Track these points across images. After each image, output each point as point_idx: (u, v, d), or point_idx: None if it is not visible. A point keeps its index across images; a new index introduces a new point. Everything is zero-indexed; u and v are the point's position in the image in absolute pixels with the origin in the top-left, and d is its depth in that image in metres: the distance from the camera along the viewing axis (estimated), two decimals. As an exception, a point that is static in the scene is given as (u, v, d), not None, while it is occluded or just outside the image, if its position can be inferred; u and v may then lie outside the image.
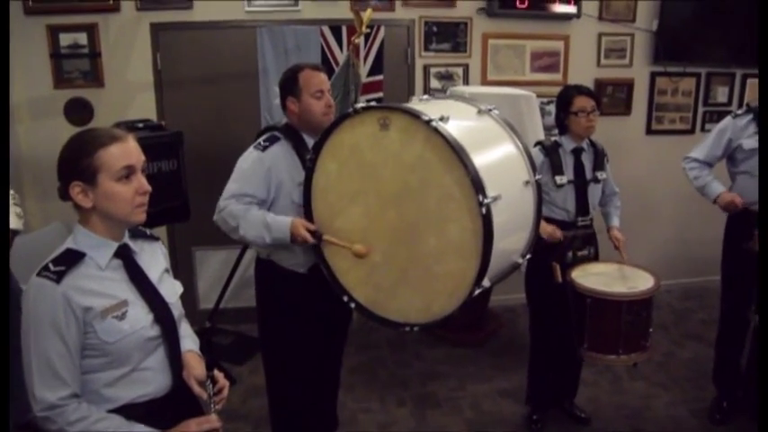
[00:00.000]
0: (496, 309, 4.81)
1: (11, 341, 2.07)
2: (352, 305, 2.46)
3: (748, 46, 4.86)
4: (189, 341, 1.89)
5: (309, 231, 2.42)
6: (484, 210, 2.00)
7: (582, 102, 3.10)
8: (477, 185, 2.01)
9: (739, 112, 3.28)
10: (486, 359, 4.24)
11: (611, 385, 3.87)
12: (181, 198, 3.65)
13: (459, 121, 2.20)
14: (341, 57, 4.20)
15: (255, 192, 2.53)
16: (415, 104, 2.35)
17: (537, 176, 2.39)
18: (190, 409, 1.78)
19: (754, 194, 3.07)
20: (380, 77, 4.42)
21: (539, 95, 4.22)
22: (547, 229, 3.02)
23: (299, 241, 2.45)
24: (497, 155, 2.32)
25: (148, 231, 1.89)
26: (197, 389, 1.77)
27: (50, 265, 1.58)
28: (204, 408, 1.78)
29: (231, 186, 2.56)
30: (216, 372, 1.82)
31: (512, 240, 2.34)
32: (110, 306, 1.61)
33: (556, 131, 3.30)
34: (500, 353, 4.33)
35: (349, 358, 3.80)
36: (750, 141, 3.16)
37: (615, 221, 3.35)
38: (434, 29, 4.59)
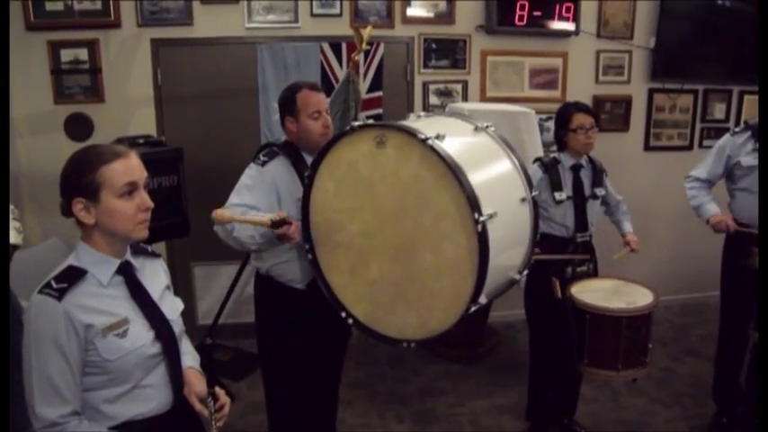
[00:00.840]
0: (496, 325, 4.81)
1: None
2: (350, 321, 2.46)
3: (745, 63, 4.90)
4: (190, 358, 1.89)
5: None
6: (480, 227, 2.01)
7: (581, 119, 3.12)
8: (473, 203, 2.01)
9: (738, 129, 3.30)
10: (485, 375, 4.23)
11: (611, 401, 3.86)
12: (181, 214, 3.65)
13: (455, 139, 2.21)
14: (341, 73, 4.23)
15: (257, 204, 2.53)
16: (412, 122, 2.37)
17: (534, 193, 2.40)
18: (190, 426, 1.78)
19: (754, 211, 3.09)
20: (380, 94, 4.45)
21: (537, 112, 4.23)
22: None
23: (281, 234, 2.37)
24: (493, 172, 2.33)
25: (150, 248, 1.90)
26: (198, 406, 1.77)
27: (52, 283, 1.58)
28: (205, 425, 1.78)
29: (233, 198, 2.56)
30: (217, 389, 1.82)
31: (508, 257, 2.35)
32: (111, 324, 1.61)
33: (555, 148, 3.31)
34: (499, 369, 4.32)
35: (348, 374, 3.80)
36: (748, 159, 3.18)
37: (628, 227, 3.35)
38: (433, 46, 4.62)
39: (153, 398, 1.70)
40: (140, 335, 1.66)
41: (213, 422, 1.75)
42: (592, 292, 3.02)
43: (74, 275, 1.61)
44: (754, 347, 3.31)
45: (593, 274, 3.28)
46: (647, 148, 5.18)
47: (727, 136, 3.34)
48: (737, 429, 3.45)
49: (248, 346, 4.25)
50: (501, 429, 3.60)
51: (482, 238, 2.02)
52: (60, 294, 1.56)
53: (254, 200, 2.53)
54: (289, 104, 2.65)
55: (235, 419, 3.60)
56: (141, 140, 3.62)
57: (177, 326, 1.81)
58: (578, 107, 3.17)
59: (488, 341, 4.62)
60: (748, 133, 3.22)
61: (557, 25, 4.67)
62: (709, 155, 3.37)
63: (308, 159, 2.58)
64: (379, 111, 4.43)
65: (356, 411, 3.78)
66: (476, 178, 2.08)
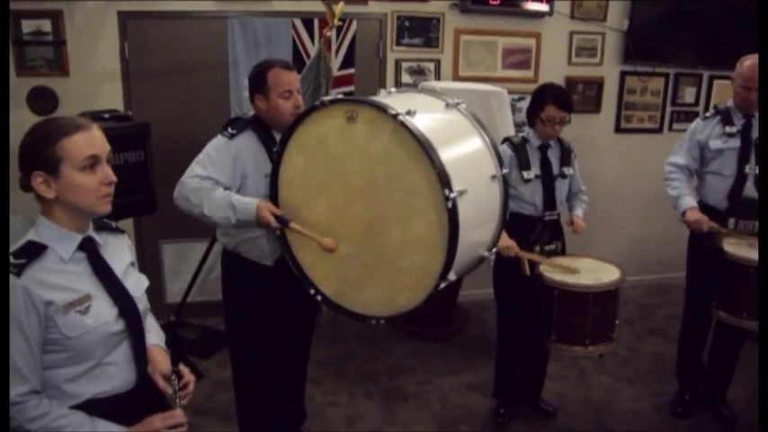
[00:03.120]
0: (465, 304, 4.83)
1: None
2: (319, 298, 2.46)
3: (716, 48, 4.95)
4: (154, 335, 1.87)
5: (276, 216, 2.41)
6: (450, 204, 2.01)
7: (551, 112, 3.07)
8: (444, 180, 2.01)
9: (708, 114, 3.33)
10: (454, 354, 4.26)
11: (578, 380, 3.92)
12: (148, 190, 3.58)
13: (426, 115, 2.21)
14: (312, 49, 4.18)
15: (220, 177, 2.50)
16: (383, 98, 2.35)
17: (504, 171, 2.40)
18: (155, 404, 1.75)
19: (722, 194, 3.22)
20: (352, 71, 4.41)
21: (510, 92, 4.24)
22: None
23: (263, 224, 2.44)
24: (464, 149, 2.33)
25: (114, 224, 1.85)
26: (162, 384, 1.75)
27: (11, 258, 1.54)
28: (170, 403, 1.76)
29: (196, 168, 2.52)
30: (181, 366, 1.80)
31: (478, 234, 2.36)
32: (72, 300, 1.57)
33: (526, 127, 3.30)
34: (468, 347, 4.35)
35: (317, 352, 3.79)
36: (717, 142, 3.22)
37: (579, 212, 3.35)
38: (407, 23, 4.58)
39: (116, 376, 1.67)
40: (103, 312, 1.63)
41: (177, 400, 1.73)
42: (560, 270, 3.04)
43: (33, 251, 1.57)
44: (717, 328, 3.37)
45: (561, 252, 3.30)
46: (618, 130, 5.22)
47: (697, 120, 3.37)
48: (699, 407, 3.52)
49: (217, 323, 4.18)
50: (469, 407, 3.64)
51: (452, 215, 2.02)
52: (19, 270, 1.52)
53: (218, 173, 2.50)
54: (259, 82, 2.59)
55: (203, 397, 3.58)
56: (107, 115, 3.54)
57: (141, 303, 1.77)
58: (555, 99, 3.08)
59: (458, 320, 4.65)
60: (717, 118, 3.26)
61: (530, 5, 4.66)
62: (683, 140, 3.38)
63: (277, 136, 2.54)
64: (351, 88, 4.39)
65: (325, 389, 3.78)
66: (447, 155, 2.08)
